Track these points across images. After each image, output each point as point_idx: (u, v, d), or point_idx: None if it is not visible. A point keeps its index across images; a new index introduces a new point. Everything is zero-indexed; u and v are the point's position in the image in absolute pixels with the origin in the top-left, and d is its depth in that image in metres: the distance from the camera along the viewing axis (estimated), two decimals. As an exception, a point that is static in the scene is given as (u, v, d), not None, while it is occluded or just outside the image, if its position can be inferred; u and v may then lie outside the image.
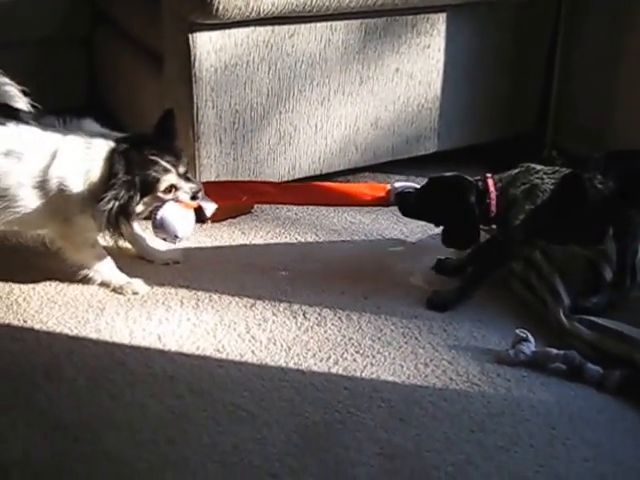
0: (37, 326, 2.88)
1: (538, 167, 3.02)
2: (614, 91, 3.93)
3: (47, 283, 3.04)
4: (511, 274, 3.13)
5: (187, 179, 2.91)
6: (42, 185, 2.81)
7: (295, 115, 3.56)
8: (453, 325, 2.95)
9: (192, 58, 3.22)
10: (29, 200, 2.82)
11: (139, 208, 2.87)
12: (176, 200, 2.90)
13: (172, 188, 2.87)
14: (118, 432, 2.44)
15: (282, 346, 2.82)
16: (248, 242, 3.47)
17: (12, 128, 2.86)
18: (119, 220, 2.83)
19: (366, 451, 2.38)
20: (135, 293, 3.05)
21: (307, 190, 3.41)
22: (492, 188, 2.95)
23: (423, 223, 3.44)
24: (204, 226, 3.49)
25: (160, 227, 2.92)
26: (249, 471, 2.30)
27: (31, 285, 3.07)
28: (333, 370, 2.71)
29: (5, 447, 2.38)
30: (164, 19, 3.36)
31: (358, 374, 2.70)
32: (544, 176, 2.98)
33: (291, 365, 2.73)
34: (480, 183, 2.99)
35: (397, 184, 3.32)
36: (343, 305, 3.02)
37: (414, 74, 3.76)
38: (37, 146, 2.84)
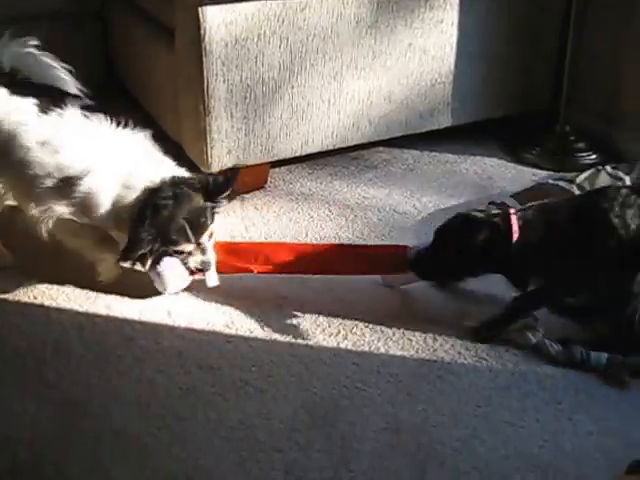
0: (47, 302, 2.91)
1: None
2: (628, 66, 3.90)
3: (57, 260, 3.04)
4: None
5: (203, 251, 2.82)
6: (68, 185, 2.75)
7: (307, 89, 3.54)
8: (463, 300, 2.94)
9: (202, 32, 3.20)
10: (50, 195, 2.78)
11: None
12: (183, 262, 2.85)
13: (185, 253, 2.82)
14: (126, 407, 2.47)
15: (292, 322, 2.82)
16: (261, 217, 3.47)
17: (55, 118, 2.79)
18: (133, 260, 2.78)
19: (372, 426, 2.39)
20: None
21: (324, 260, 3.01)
22: (514, 223, 2.63)
23: (436, 197, 3.44)
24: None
25: (156, 276, 2.88)
26: (255, 446, 2.32)
27: (41, 262, 3.08)
28: (342, 345, 2.72)
29: (14, 421, 2.41)
30: (174, -8, 3.34)
31: (367, 349, 2.70)
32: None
33: (300, 340, 2.74)
34: (498, 219, 2.66)
35: (419, 243, 2.95)
36: (354, 280, 3.01)
37: (427, 49, 3.74)
38: (77, 145, 2.77)
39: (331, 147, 3.73)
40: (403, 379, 2.58)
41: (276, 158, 3.63)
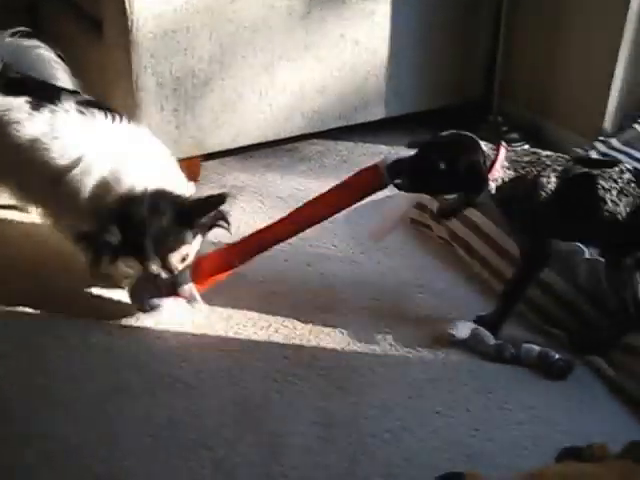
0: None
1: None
2: (556, 59, 3.93)
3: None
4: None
5: (170, 272, 2.61)
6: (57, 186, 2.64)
7: (238, 82, 3.51)
8: (394, 291, 2.94)
9: (130, 24, 3.16)
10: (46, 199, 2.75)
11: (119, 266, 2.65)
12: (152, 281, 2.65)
13: (152, 275, 2.61)
14: (53, 407, 2.43)
15: (222, 315, 2.80)
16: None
17: (46, 115, 2.70)
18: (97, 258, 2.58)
19: (303, 420, 2.38)
20: None
21: (303, 213, 2.92)
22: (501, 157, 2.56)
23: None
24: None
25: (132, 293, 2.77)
26: (183, 444, 2.30)
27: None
28: (273, 339, 2.70)
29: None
30: (101, -16, 3.30)
31: (298, 342, 2.69)
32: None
33: (230, 334, 2.72)
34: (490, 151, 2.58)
35: (387, 157, 2.88)
36: (286, 273, 3.00)
37: (359, 40, 3.72)
38: (68, 140, 2.66)
39: (264, 140, 3.70)
40: (334, 372, 2.56)
41: (208, 151, 3.60)
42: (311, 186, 3.61)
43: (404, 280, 3.01)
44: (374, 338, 2.70)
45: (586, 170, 2.53)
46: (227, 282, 2.90)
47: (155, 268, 2.58)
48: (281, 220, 2.85)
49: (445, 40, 3.99)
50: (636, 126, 3.53)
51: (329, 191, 2.90)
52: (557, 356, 2.57)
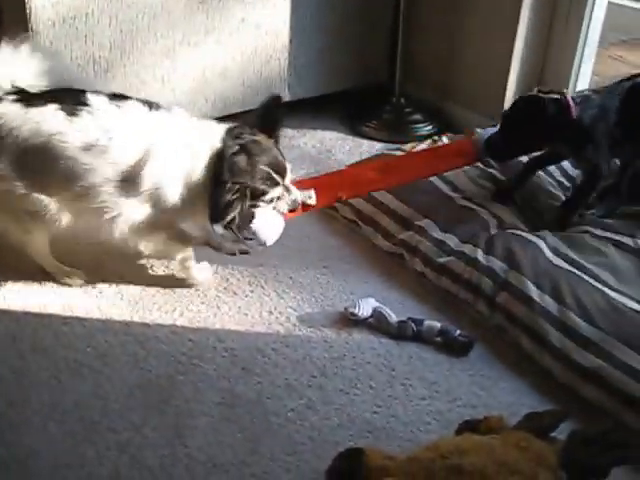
0: None
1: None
2: (456, 41, 4.00)
3: None
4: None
5: (288, 190, 2.72)
6: (131, 181, 2.59)
7: (140, 68, 3.52)
8: (299, 272, 2.98)
9: (28, 11, 3.15)
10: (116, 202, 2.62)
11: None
12: (274, 208, 2.73)
13: (275, 199, 2.70)
14: (-43, 395, 2.42)
15: (129, 300, 2.81)
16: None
17: (86, 117, 2.57)
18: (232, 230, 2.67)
19: (207, 401, 2.41)
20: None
21: (404, 166, 3.25)
22: (571, 103, 2.98)
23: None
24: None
25: (253, 235, 2.74)
26: (90, 428, 2.30)
27: None
28: (178, 322, 2.72)
29: None
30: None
31: (203, 325, 2.71)
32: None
33: (136, 319, 2.73)
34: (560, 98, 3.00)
35: (481, 134, 3.30)
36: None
37: (260, 24, 3.74)
38: (122, 138, 2.57)
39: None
40: (239, 353, 2.59)
41: (111, 138, 3.57)
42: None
43: (308, 261, 3.04)
44: (278, 319, 2.74)
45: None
46: (134, 267, 2.92)
47: (280, 192, 2.69)
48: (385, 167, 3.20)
49: (346, 23, 4.04)
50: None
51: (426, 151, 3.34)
52: (458, 332, 2.64)
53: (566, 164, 3.40)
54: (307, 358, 2.58)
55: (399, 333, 2.68)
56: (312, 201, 3.11)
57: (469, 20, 3.92)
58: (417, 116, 4.11)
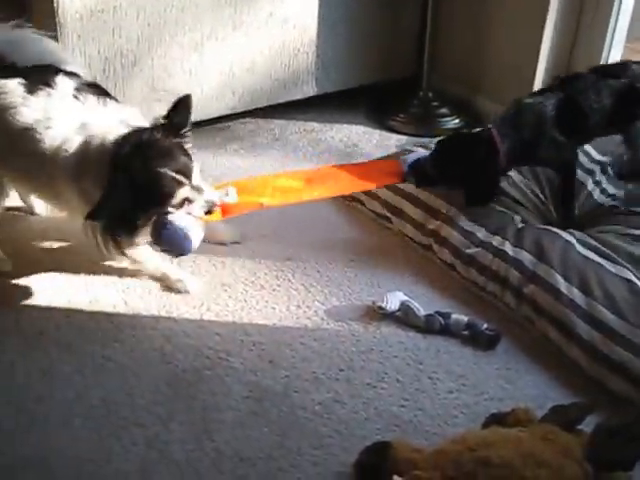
0: None
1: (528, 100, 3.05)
2: (484, 34, 3.98)
3: None
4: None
5: (200, 191, 2.49)
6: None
7: (168, 61, 3.51)
8: (326, 266, 2.96)
9: (55, 5, 3.15)
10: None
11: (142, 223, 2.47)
12: (188, 213, 2.50)
13: (184, 202, 2.48)
14: (-16, 394, 2.42)
15: (155, 295, 2.80)
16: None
17: (42, 99, 2.55)
18: (118, 233, 2.48)
19: (234, 395, 2.39)
20: (186, 291, 2.83)
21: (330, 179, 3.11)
22: (496, 137, 2.94)
23: (302, 166, 3.44)
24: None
25: (165, 243, 2.50)
26: (116, 423, 2.30)
27: None
28: (205, 316, 2.71)
29: None
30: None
31: (230, 319, 2.70)
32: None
33: (163, 313, 2.72)
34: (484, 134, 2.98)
35: (408, 156, 3.16)
36: (217, 251, 3.01)
37: (288, 17, 3.73)
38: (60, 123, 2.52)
39: (195, 119, 3.67)
40: (266, 347, 2.58)
41: (139, 132, 3.56)
42: (243, 164, 3.63)
43: (335, 255, 3.03)
44: (305, 313, 2.72)
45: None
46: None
47: (189, 194, 2.46)
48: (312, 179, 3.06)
49: (374, 17, 4.01)
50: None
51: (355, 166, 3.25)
52: (485, 325, 2.62)
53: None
54: (335, 352, 2.56)
55: (426, 327, 2.66)
56: (231, 199, 2.81)
57: (497, 12, 3.89)
58: (444, 109, 4.08)
